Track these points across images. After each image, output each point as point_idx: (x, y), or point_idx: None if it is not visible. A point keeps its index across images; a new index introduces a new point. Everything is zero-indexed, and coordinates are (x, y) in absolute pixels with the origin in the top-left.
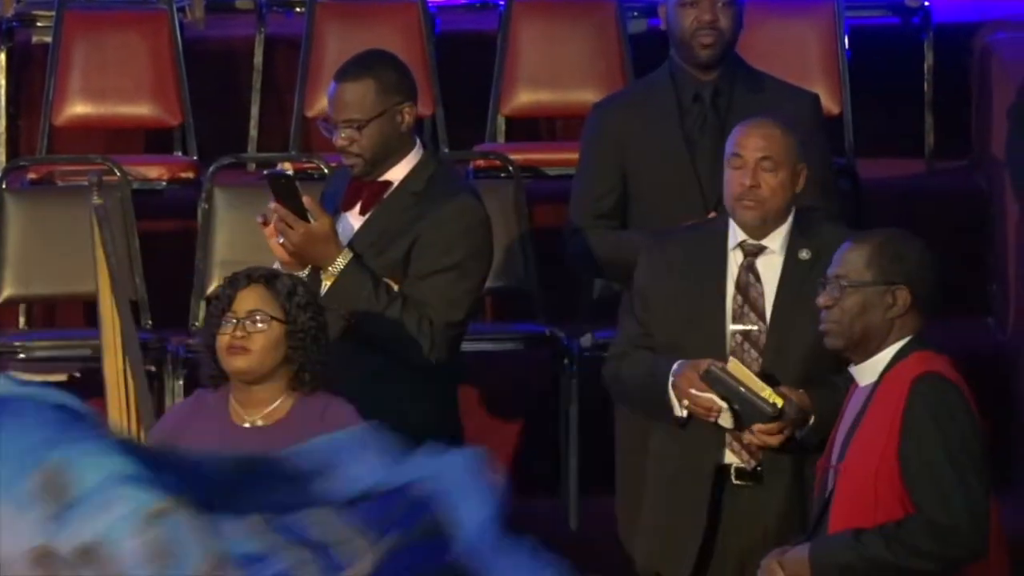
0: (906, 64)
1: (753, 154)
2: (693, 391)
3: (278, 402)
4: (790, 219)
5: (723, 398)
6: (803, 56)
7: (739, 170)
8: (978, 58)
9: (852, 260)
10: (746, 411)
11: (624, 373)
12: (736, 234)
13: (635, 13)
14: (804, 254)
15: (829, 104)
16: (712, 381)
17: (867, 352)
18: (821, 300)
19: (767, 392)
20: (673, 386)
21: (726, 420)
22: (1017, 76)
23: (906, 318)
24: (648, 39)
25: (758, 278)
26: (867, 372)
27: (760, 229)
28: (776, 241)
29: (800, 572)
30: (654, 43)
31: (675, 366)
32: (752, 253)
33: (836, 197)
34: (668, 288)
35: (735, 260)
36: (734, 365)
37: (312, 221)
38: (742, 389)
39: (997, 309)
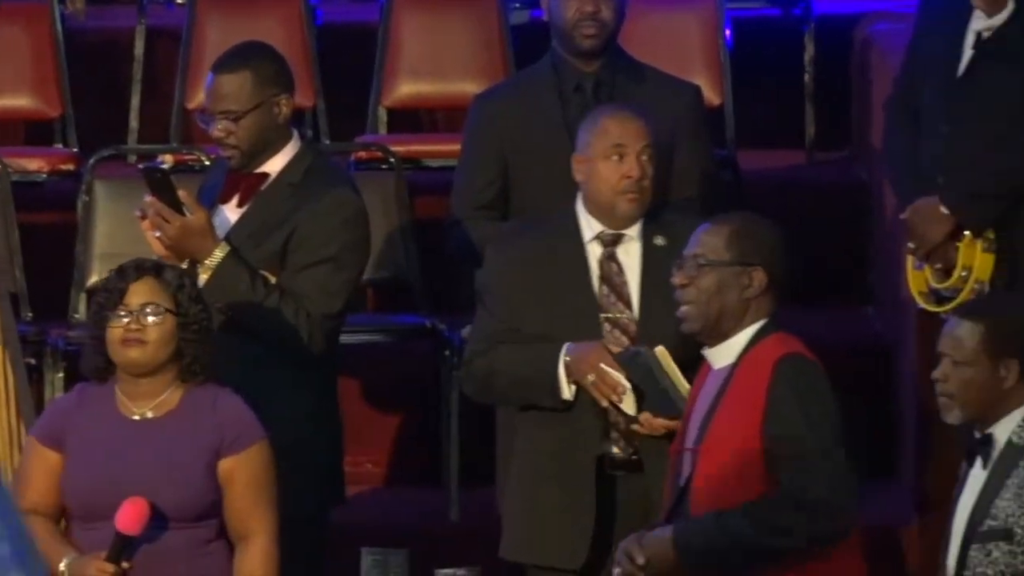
0: (787, 55)
1: (637, 143)
2: (604, 366)
3: (167, 393)
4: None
5: (634, 383)
6: (684, 47)
7: (622, 161)
8: (858, 50)
9: (710, 240)
10: (656, 400)
11: (500, 365)
12: (591, 224)
13: (517, 4)
14: (659, 240)
15: (710, 95)
16: (634, 364)
17: (722, 334)
18: (677, 279)
19: (686, 389)
20: (567, 366)
21: (628, 404)
22: (897, 67)
23: (761, 300)
24: (530, 30)
25: (620, 267)
26: (722, 354)
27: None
28: (635, 229)
29: (663, 554)
30: (536, 34)
31: (568, 347)
32: (611, 243)
33: (719, 188)
34: (529, 283)
35: (594, 251)
36: (662, 353)
37: (188, 215)
38: (666, 378)
39: (877, 299)
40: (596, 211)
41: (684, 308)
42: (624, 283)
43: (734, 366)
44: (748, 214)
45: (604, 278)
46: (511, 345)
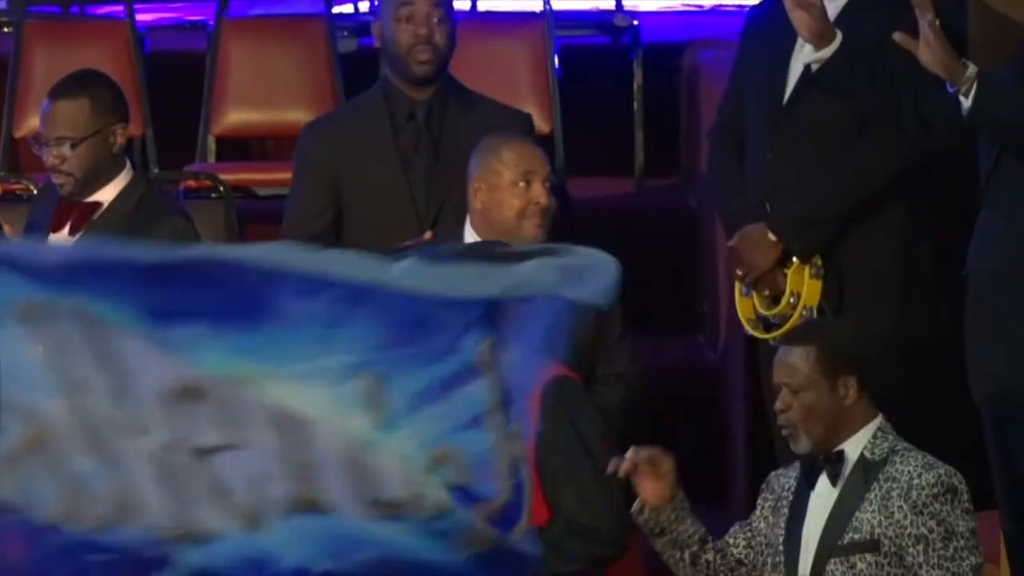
0: (616, 83)
1: (542, 170)
2: None
3: None
4: None
5: None
6: (513, 74)
7: (529, 188)
8: (686, 77)
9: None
10: None
11: None
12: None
13: (345, 32)
14: None
15: (540, 123)
16: None
17: None
18: None
19: None
20: None
21: None
22: (722, 95)
23: None
24: (358, 58)
25: None
26: None
27: None
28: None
29: None
30: (365, 62)
31: None
32: None
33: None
34: None
35: None
36: None
37: None
38: None
39: (707, 327)
40: (496, 236)
41: None
42: None
43: None
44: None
45: None
46: None
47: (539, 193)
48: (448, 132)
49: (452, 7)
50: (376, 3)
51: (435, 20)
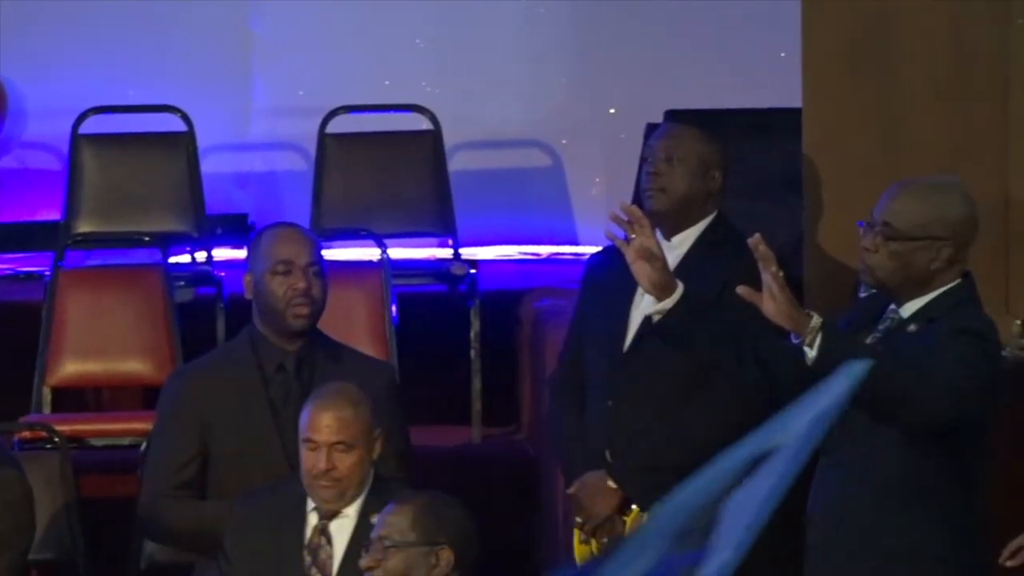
0: (453, 331)
1: (327, 438)
2: None
3: None
4: (368, 486)
5: None
6: (351, 323)
7: (314, 452)
8: (525, 325)
9: (395, 521)
10: None
11: None
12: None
13: (181, 283)
14: (375, 519)
15: None
16: None
17: None
18: (364, 562)
19: None
20: None
21: None
22: (561, 343)
23: None
24: (196, 307)
25: (329, 540)
26: None
27: (336, 502)
28: (353, 507)
29: None
30: (202, 311)
31: None
32: (327, 516)
33: (412, 469)
34: (252, 544)
35: (311, 522)
36: None
37: None
38: None
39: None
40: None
41: None
42: (329, 557)
43: None
44: (434, 492)
45: (310, 549)
46: None
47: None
48: (317, 383)
49: (324, 262)
50: (219, 258)
51: (311, 272)
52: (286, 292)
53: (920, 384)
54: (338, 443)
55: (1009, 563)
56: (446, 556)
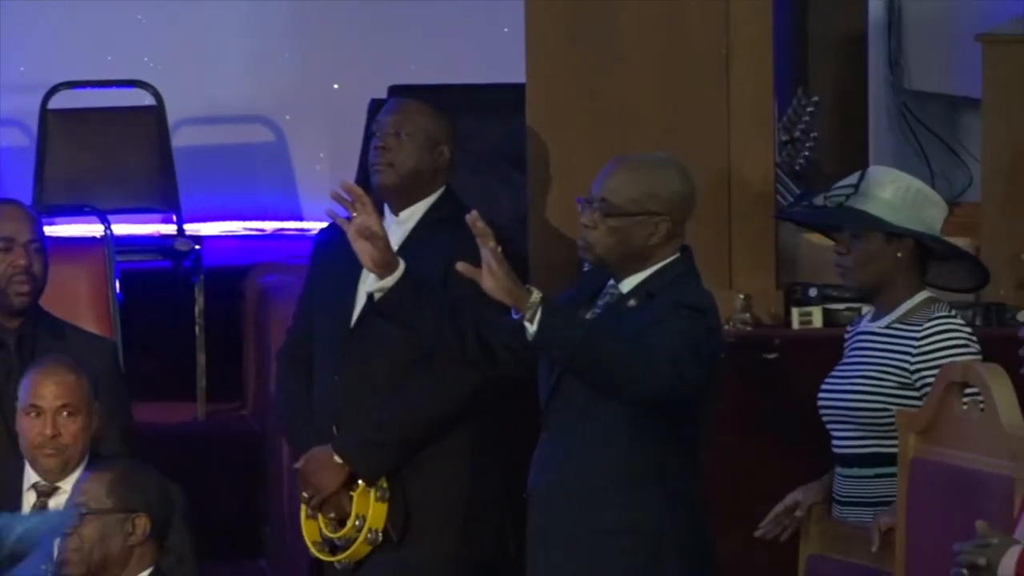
0: (178, 307)
1: (52, 403)
2: None
3: None
4: (85, 462)
5: None
6: (74, 299)
7: (38, 419)
8: (250, 301)
9: (91, 489)
10: None
11: None
12: (30, 475)
13: None
14: None
15: None
16: None
17: None
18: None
19: None
20: None
21: None
22: (289, 318)
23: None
24: None
25: None
26: None
27: (59, 473)
28: (69, 482)
29: None
30: None
31: None
32: (46, 494)
33: (137, 443)
34: None
35: (29, 501)
36: None
37: None
38: None
39: (271, 551)
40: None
41: (69, 564)
42: None
43: None
44: (131, 461)
45: None
46: None
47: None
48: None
49: (46, 239)
50: None
51: (31, 250)
52: (6, 269)
53: (639, 359)
54: (64, 406)
55: (758, 533)
56: (142, 523)
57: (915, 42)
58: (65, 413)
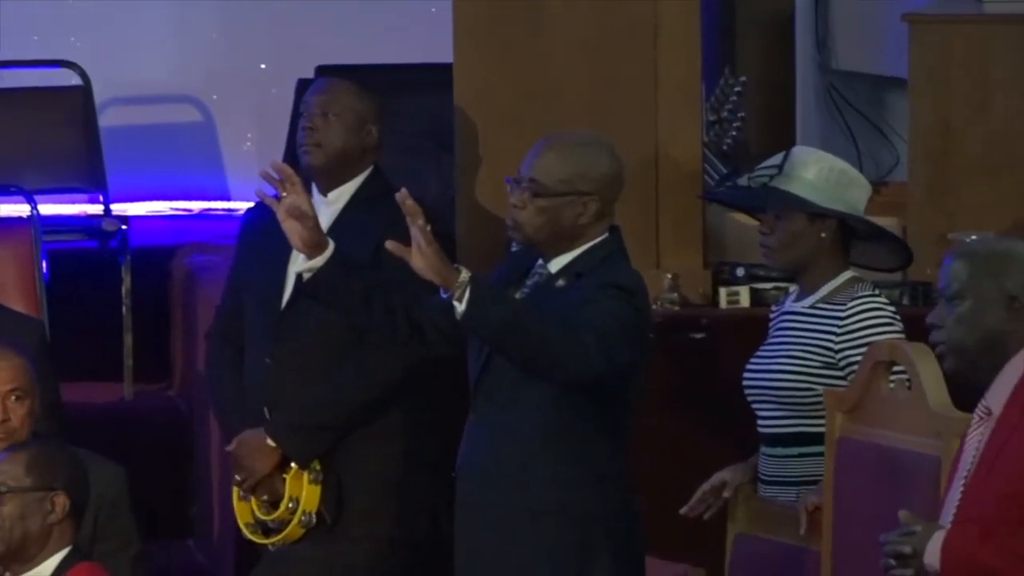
0: (105, 287)
1: (2, 387)
2: None
3: None
4: None
5: None
6: (1, 279)
7: None
8: (178, 281)
9: (9, 468)
10: None
11: None
12: None
13: None
14: None
15: None
16: None
17: (28, 559)
18: None
19: None
20: None
21: None
22: (218, 298)
23: (64, 525)
24: None
25: None
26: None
27: None
28: None
29: None
30: None
31: None
32: None
33: (63, 422)
34: None
35: None
36: None
37: None
38: None
39: (198, 532)
40: None
41: None
42: None
43: None
44: (48, 440)
45: None
46: None
47: None
48: None
49: None
50: None
51: None
52: None
53: (568, 339)
54: (12, 391)
55: (683, 511)
56: (61, 501)
57: (842, 22)
58: (13, 397)
